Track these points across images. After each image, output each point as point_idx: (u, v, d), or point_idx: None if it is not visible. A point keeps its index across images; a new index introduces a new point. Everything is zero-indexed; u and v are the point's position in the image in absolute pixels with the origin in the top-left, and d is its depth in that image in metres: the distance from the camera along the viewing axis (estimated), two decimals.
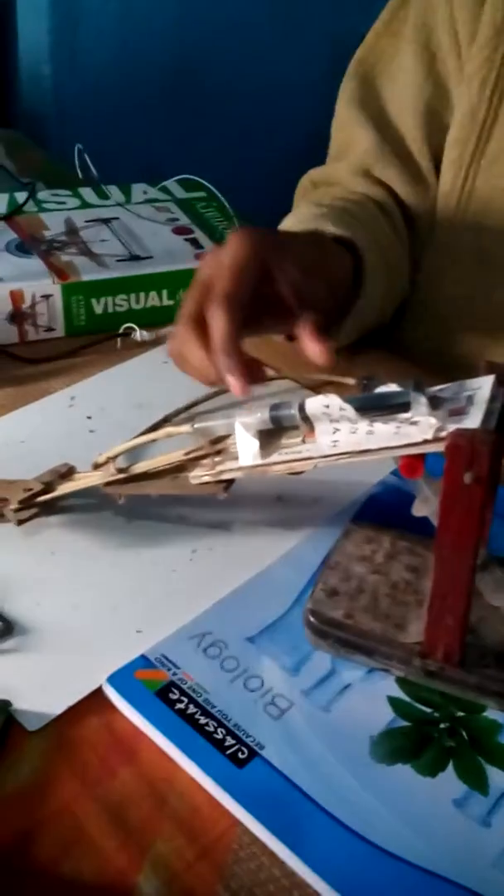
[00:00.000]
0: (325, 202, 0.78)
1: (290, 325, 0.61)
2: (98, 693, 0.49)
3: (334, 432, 0.49)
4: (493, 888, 0.41)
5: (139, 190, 0.98)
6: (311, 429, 0.50)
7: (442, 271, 0.84)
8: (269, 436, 0.52)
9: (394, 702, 0.49)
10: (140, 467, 0.57)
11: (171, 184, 1.00)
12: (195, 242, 0.88)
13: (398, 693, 0.49)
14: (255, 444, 0.52)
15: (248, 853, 0.43)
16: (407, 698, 0.49)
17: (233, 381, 0.55)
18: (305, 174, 0.91)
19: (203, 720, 0.47)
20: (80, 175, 1.00)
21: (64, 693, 0.49)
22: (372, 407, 0.47)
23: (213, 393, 0.72)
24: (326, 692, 0.49)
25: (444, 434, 0.44)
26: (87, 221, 0.91)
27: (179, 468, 0.56)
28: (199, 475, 0.55)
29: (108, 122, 1.37)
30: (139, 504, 0.59)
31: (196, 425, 0.54)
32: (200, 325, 0.59)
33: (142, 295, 0.82)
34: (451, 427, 0.44)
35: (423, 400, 0.46)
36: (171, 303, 0.83)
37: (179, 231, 0.90)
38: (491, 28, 0.76)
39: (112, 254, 0.84)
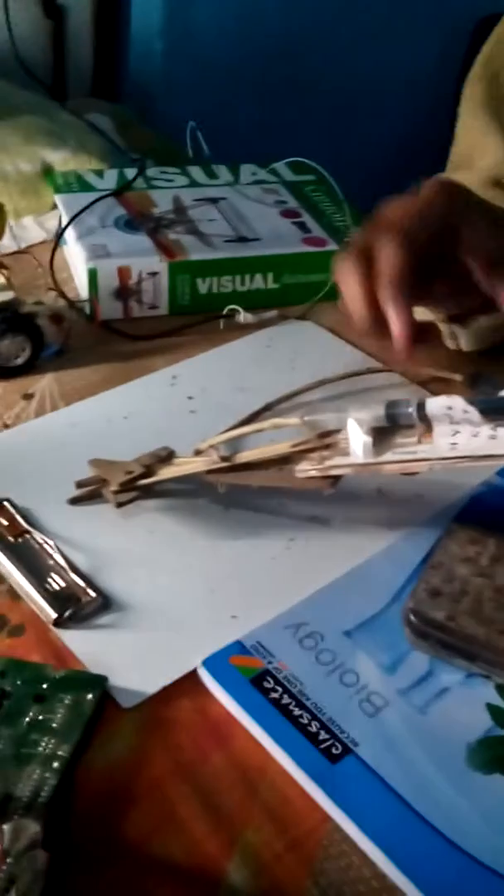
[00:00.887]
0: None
1: (468, 297, 0.57)
2: (192, 675, 0.49)
3: (454, 434, 0.48)
4: None
5: (248, 171, 0.98)
6: (429, 429, 0.49)
7: None
8: (383, 433, 0.51)
9: (493, 709, 0.47)
10: (244, 457, 0.57)
11: (280, 166, 0.98)
12: (303, 226, 0.87)
13: (498, 701, 0.48)
14: (369, 441, 0.50)
15: (339, 850, 0.42)
16: None
17: (394, 320, 0.51)
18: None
19: (297, 711, 0.47)
20: (190, 153, 1.00)
21: (159, 672, 0.49)
22: (498, 410, 0.46)
23: (318, 382, 0.72)
24: (423, 694, 0.48)
25: None
26: (195, 200, 0.90)
27: (284, 460, 0.55)
28: (306, 469, 0.54)
29: (218, 102, 1.36)
30: (238, 492, 0.59)
31: (306, 418, 0.53)
32: (368, 259, 0.55)
33: (247, 277, 0.82)
34: None
35: None
36: (276, 286, 0.83)
37: (287, 214, 0.89)
38: None
39: (219, 234, 0.84)
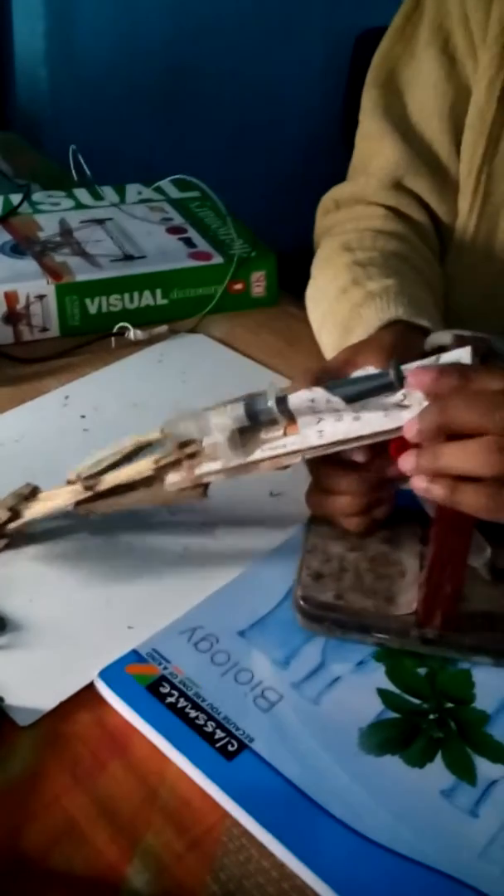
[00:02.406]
0: (365, 259, 0.73)
1: None
2: (90, 688, 0.49)
3: (318, 422, 0.49)
4: (480, 878, 0.41)
5: (133, 190, 0.99)
6: (291, 420, 0.50)
7: (456, 277, 0.83)
8: (247, 432, 0.51)
9: (383, 693, 0.49)
10: (109, 481, 0.55)
11: (165, 184, 1.00)
12: (189, 242, 0.88)
13: (388, 685, 0.49)
14: (236, 441, 0.51)
15: (238, 845, 0.43)
16: (396, 690, 0.49)
17: None
18: (328, 193, 0.87)
19: (193, 713, 0.47)
20: (74, 176, 1.00)
21: (56, 688, 0.49)
22: (359, 395, 0.48)
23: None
24: (316, 685, 0.49)
25: None
26: (81, 222, 0.91)
27: (151, 478, 0.54)
28: (176, 481, 0.53)
29: (103, 124, 1.37)
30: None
31: (166, 430, 0.53)
32: None
33: (136, 294, 0.83)
34: None
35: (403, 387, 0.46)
36: (164, 302, 0.84)
37: (173, 231, 0.90)
38: (498, 25, 0.74)
39: (106, 254, 0.85)
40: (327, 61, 1.68)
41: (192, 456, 0.53)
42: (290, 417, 0.50)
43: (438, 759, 0.46)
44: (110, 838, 0.43)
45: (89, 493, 0.55)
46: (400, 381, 0.47)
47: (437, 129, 0.78)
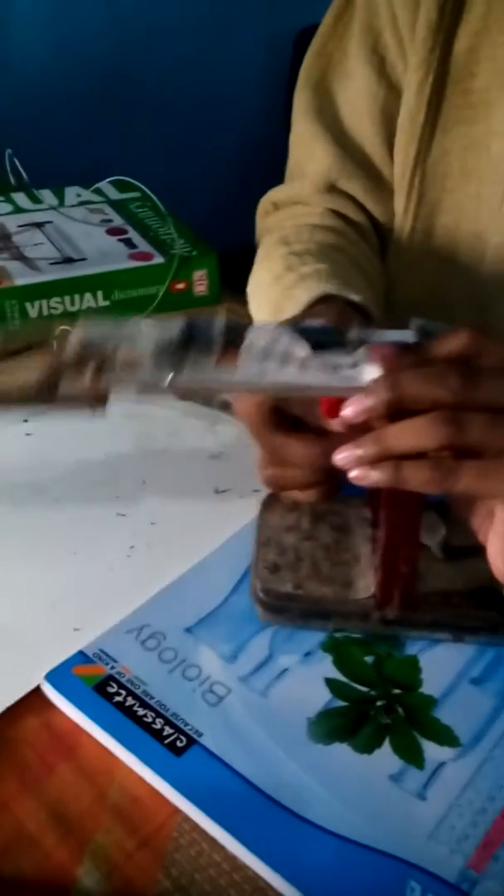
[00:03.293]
0: (301, 250, 0.73)
1: None
2: (37, 692, 0.49)
3: (263, 360, 0.45)
4: (429, 859, 0.41)
5: (72, 193, 0.98)
6: (231, 352, 0.45)
7: (396, 276, 0.83)
8: (177, 353, 0.46)
9: (331, 683, 0.49)
10: None
11: (104, 185, 1.00)
12: (129, 243, 0.88)
13: (335, 674, 0.50)
14: (162, 357, 0.45)
15: (189, 840, 0.43)
16: (344, 678, 0.49)
17: None
18: (266, 195, 0.88)
19: (141, 711, 0.47)
20: (11, 180, 1.00)
21: (1, 693, 0.49)
22: (324, 343, 0.45)
23: None
24: (264, 677, 0.49)
25: None
26: (19, 226, 0.90)
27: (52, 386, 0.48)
28: (75, 388, 0.47)
29: (40, 126, 1.36)
30: (76, 500, 0.59)
31: (80, 328, 0.47)
32: None
33: (76, 297, 0.82)
34: None
35: (363, 347, 0.46)
36: (106, 304, 0.83)
37: (113, 232, 0.90)
38: (426, 27, 0.74)
39: (45, 257, 0.84)
40: (267, 61, 1.69)
41: (100, 366, 0.47)
42: (231, 348, 0.45)
43: (387, 744, 0.46)
44: (60, 840, 0.43)
45: None
46: (358, 345, 0.46)
47: (369, 132, 0.79)
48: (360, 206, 0.81)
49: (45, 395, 0.48)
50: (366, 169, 0.80)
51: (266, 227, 0.84)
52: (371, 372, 0.46)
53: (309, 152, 0.82)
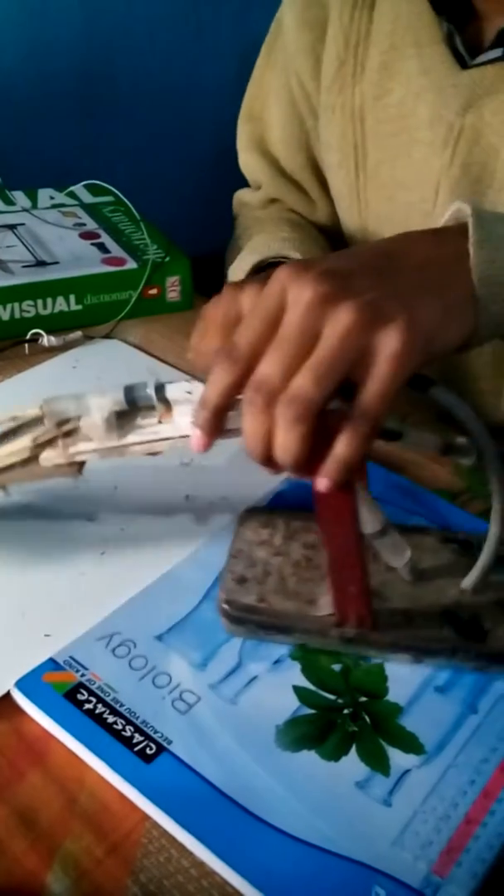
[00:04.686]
0: (288, 233, 0.84)
1: None
2: (6, 698, 0.49)
3: (192, 412, 0.49)
4: (394, 865, 0.42)
5: (45, 195, 0.98)
6: (168, 409, 0.51)
7: None
8: (123, 416, 0.52)
9: (298, 690, 0.50)
10: None
11: (78, 188, 1.00)
12: (102, 247, 0.88)
13: (303, 682, 0.50)
14: (110, 424, 0.51)
15: (157, 846, 0.43)
16: (311, 686, 0.50)
17: None
18: (237, 193, 0.99)
19: (111, 719, 0.48)
20: None
21: None
22: None
23: None
24: (233, 685, 0.50)
25: None
26: None
27: (31, 457, 0.54)
28: (53, 457, 0.53)
29: (12, 127, 1.36)
30: (47, 506, 0.59)
31: (44, 407, 0.53)
32: None
33: (49, 300, 0.82)
34: None
35: None
36: (78, 308, 0.84)
37: (86, 236, 0.90)
38: (336, 61, 0.80)
39: (18, 260, 0.84)
40: (240, 66, 1.69)
41: (68, 434, 0.53)
42: (168, 406, 0.51)
43: (353, 752, 0.47)
44: (29, 847, 0.43)
45: None
46: None
47: (290, 157, 0.89)
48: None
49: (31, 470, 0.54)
50: (295, 185, 0.91)
51: (244, 222, 0.94)
52: None
53: (254, 175, 0.94)
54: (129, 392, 0.51)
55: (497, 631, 0.51)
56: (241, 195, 0.99)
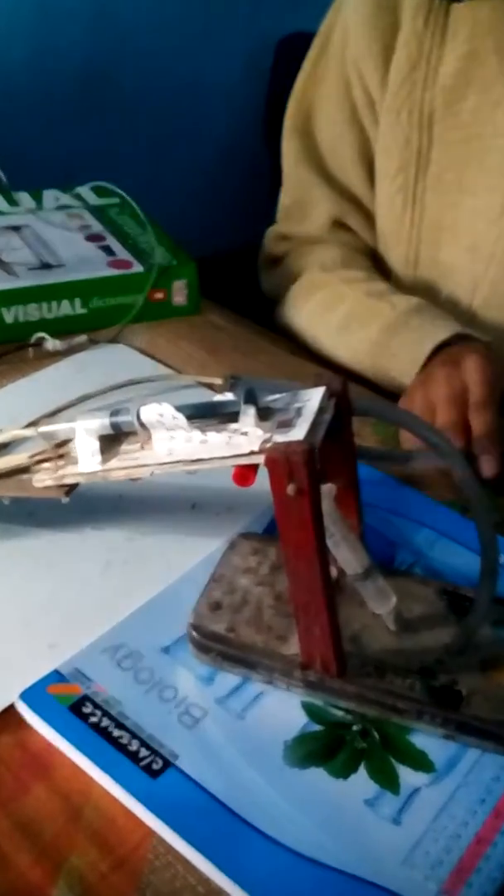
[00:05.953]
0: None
1: None
2: (11, 710, 0.48)
3: (170, 440, 0.49)
4: (404, 884, 0.42)
5: (51, 196, 0.98)
6: (149, 436, 0.50)
7: (399, 287, 0.87)
8: (111, 441, 0.52)
9: (307, 706, 0.49)
10: None
11: (83, 190, 0.99)
12: (108, 250, 0.88)
13: (311, 698, 0.50)
14: (95, 449, 0.52)
15: (164, 862, 0.43)
16: (320, 703, 0.50)
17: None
18: (270, 231, 0.98)
19: (117, 733, 0.47)
20: None
21: None
22: (202, 416, 0.48)
23: (80, 398, 0.73)
24: (241, 700, 0.50)
25: (268, 446, 0.44)
26: None
27: (24, 470, 0.56)
28: (42, 479, 0.54)
29: (19, 127, 1.35)
30: (52, 515, 0.59)
31: (41, 429, 0.54)
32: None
33: (54, 304, 0.82)
34: (278, 438, 0.44)
35: (252, 411, 0.47)
36: (83, 311, 0.83)
37: (92, 238, 0.90)
38: (406, 65, 0.79)
39: (23, 262, 0.84)
40: (248, 67, 1.69)
41: (60, 457, 0.54)
42: (149, 433, 0.50)
43: (362, 769, 0.46)
44: (34, 860, 0.42)
45: None
46: (248, 402, 0.47)
47: (350, 172, 0.88)
48: (358, 236, 0.91)
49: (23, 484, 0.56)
50: (356, 204, 0.90)
51: (298, 263, 0.93)
52: (255, 433, 0.46)
53: (308, 197, 0.92)
54: (114, 416, 0.51)
55: (473, 699, 0.48)
56: (285, 229, 0.96)
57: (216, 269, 0.97)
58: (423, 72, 0.78)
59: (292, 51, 0.97)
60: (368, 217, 0.90)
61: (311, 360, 0.85)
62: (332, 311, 0.86)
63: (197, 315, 0.89)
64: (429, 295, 0.85)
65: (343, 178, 0.90)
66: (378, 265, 0.91)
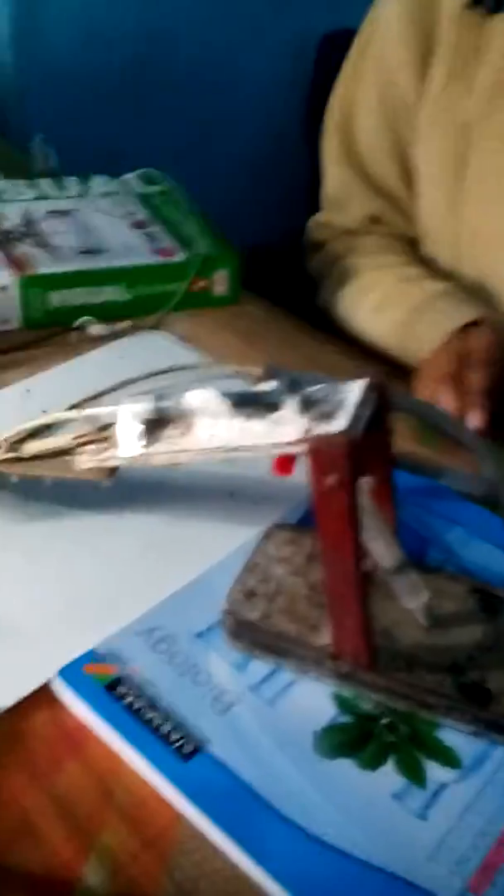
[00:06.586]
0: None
1: None
2: (48, 687, 0.49)
3: (213, 426, 0.50)
4: (429, 879, 0.42)
5: (98, 182, 0.98)
6: (191, 422, 0.51)
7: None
8: (154, 426, 0.52)
9: (337, 697, 0.50)
10: (31, 448, 0.58)
11: (131, 177, 1.00)
12: (153, 237, 0.88)
13: (342, 689, 0.50)
14: (139, 433, 0.52)
15: (193, 845, 0.43)
16: (350, 694, 0.50)
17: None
18: (314, 218, 1.01)
19: (150, 714, 0.48)
20: (39, 165, 1.00)
21: (14, 686, 0.49)
22: (245, 404, 0.49)
23: (121, 383, 0.74)
24: (272, 687, 0.50)
25: (310, 436, 0.45)
26: (45, 213, 0.90)
27: (68, 452, 0.57)
28: (85, 461, 0.55)
29: (69, 113, 1.36)
30: (94, 498, 0.60)
31: (85, 412, 0.56)
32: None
33: (98, 289, 0.82)
34: (319, 429, 0.45)
35: (295, 401, 0.47)
36: (128, 297, 0.84)
37: (138, 225, 0.90)
38: (445, 78, 0.81)
39: (69, 246, 0.84)
40: (294, 59, 1.68)
41: (104, 440, 0.55)
42: (191, 419, 0.51)
43: (390, 762, 0.47)
44: (66, 837, 0.43)
45: (11, 455, 0.58)
46: (290, 390, 0.48)
47: (387, 169, 0.91)
48: (396, 229, 0.94)
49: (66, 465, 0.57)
50: (394, 202, 0.92)
51: (339, 249, 0.96)
52: (296, 423, 0.46)
53: (347, 192, 0.95)
54: (159, 401, 0.52)
55: (502, 697, 0.48)
56: (326, 218, 0.99)
57: (257, 261, 0.98)
58: (461, 83, 0.79)
59: (335, 47, 0.99)
60: (405, 215, 0.93)
61: (348, 351, 0.85)
62: (368, 294, 0.89)
63: (237, 305, 0.89)
64: (470, 290, 0.86)
65: (380, 178, 0.92)
66: (419, 254, 0.92)
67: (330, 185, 0.97)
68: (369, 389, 0.48)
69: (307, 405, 0.47)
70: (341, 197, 0.96)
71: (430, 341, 0.78)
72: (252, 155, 1.65)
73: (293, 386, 0.48)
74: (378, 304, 0.87)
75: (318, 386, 0.49)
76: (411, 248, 0.94)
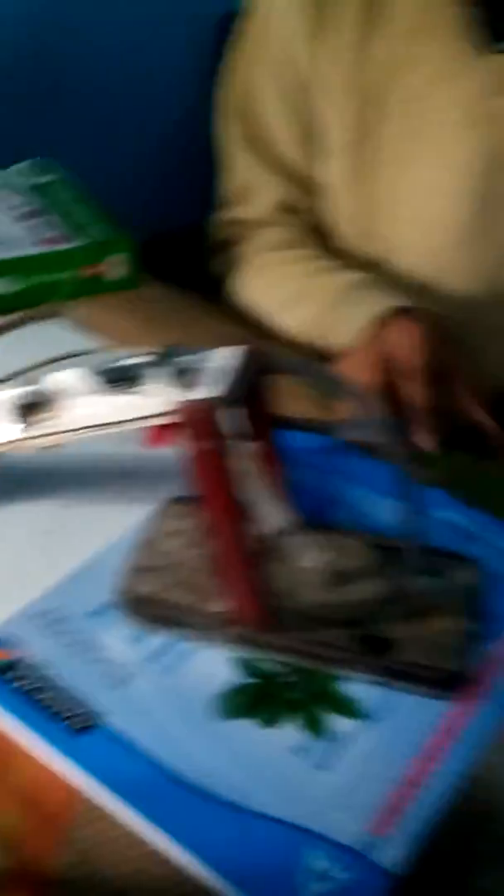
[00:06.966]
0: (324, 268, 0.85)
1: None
2: None
3: (86, 405, 0.49)
4: (331, 826, 0.42)
5: None
6: (66, 402, 0.50)
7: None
8: (29, 409, 0.51)
9: (238, 661, 0.49)
10: None
11: (22, 167, 0.98)
12: (43, 226, 0.87)
13: (241, 652, 0.50)
14: (13, 418, 0.51)
15: (93, 816, 0.43)
16: (250, 657, 0.49)
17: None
18: (215, 217, 0.95)
19: (42, 695, 0.47)
20: None
21: None
22: (117, 379, 0.48)
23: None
24: (170, 656, 0.49)
25: (177, 406, 0.45)
26: None
27: None
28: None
29: None
30: None
31: None
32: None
33: None
34: (188, 397, 0.45)
35: (164, 371, 0.47)
36: (19, 288, 0.82)
37: (27, 215, 0.89)
38: (348, 43, 0.78)
39: None
40: (190, 45, 1.67)
41: None
42: (65, 398, 0.50)
43: (291, 718, 0.46)
44: None
45: None
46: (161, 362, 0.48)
47: (293, 151, 0.86)
48: (307, 216, 0.90)
49: None
50: (302, 185, 0.88)
51: (246, 246, 0.91)
52: (164, 393, 0.46)
53: (253, 181, 0.90)
54: (29, 386, 0.51)
55: (401, 646, 0.48)
56: (230, 215, 0.94)
57: (158, 249, 0.97)
58: (368, 48, 0.77)
59: (231, 31, 0.95)
60: (316, 196, 0.89)
61: (257, 333, 0.84)
62: (279, 289, 0.86)
63: (138, 291, 0.88)
64: (381, 269, 0.85)
65: (287, 161, 0.88)
66: (329, 244, 0.90)
67: (234, 175, 0.92)
68: (246, 355, 0.48)
69: (180, 375, 0.47)
70: (249, 185, 0.91)
71: (346, 333, 0.75)
72: (156, 141, 1.64)
73: (166, 357, 0.47)
74: (290, 299, 0.84)
75: (193, 356, 0.49)
76: (322, 241, 0.90)
